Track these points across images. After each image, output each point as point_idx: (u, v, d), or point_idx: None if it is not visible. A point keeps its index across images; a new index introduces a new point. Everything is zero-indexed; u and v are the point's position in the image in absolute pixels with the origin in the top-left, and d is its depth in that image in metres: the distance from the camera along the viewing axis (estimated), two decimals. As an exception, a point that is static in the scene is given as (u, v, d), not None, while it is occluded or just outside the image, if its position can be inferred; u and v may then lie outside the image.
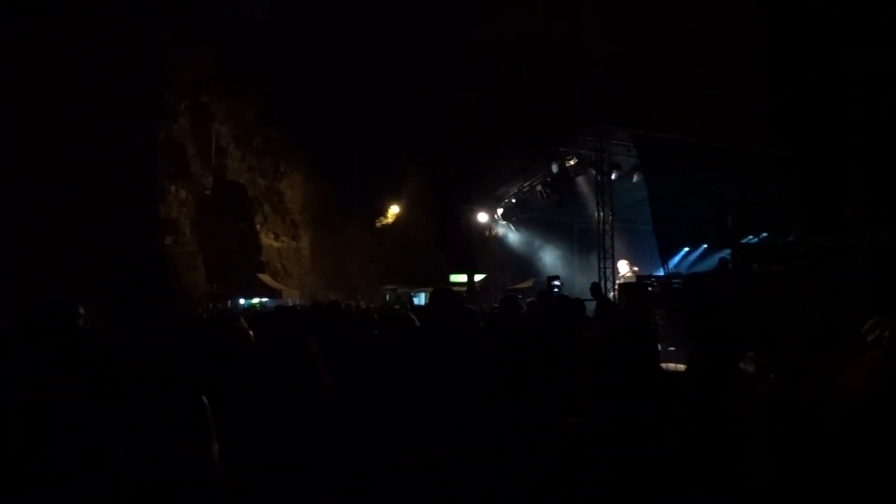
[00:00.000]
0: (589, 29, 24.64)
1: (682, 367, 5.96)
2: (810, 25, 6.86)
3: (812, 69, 6.54)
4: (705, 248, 13.43)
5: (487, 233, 24.34)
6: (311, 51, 33.46)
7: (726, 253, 13.79)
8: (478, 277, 26.07)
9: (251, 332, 4.55)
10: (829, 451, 2.33)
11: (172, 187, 29.06)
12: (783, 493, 2.21)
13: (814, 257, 6.53)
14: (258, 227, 34.53)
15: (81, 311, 2.75)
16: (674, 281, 11.65)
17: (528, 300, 7.81)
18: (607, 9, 23.89)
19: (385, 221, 40.27)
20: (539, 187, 18.33)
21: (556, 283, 13.30)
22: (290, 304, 21.63)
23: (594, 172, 15.81)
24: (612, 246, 15.69)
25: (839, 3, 6.55)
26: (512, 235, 23.75)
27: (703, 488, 1.73)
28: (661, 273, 13.20)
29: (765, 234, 12.12)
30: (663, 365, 5.68)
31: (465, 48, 31.46)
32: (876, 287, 4.65)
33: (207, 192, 31.66)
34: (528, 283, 22.96)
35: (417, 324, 4.74)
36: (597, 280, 14.85)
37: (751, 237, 12.15)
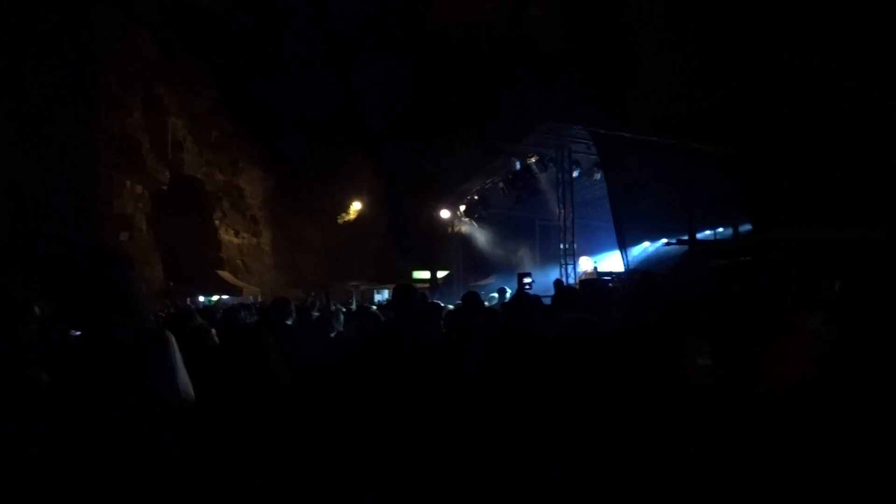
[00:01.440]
0: (544, 24, 24.91)
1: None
2: (745, 27, 7.11)
3: (749, 68, 6.76)
4: (665, 243, 13.70)
5: (450, 229, 24.38)
6: (262, 43, 32.97)
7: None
8: (440, 274, 26.15)
9: (213, 330, 4.52)
10: (763, 438, 2.43)
11: (127, 182, 28.33)
12: (717, 477, 2.31)
13: (754, 252, 6.77)
14: (217, 222, 33.95)
15: (37, 309, 2.70)
16: (633, 276, 11.87)
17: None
18: (560, 4, 24.22)
19: (347, 218, 40.02)
20: (501, 184, 18.45)
21: (528, 280, 13.27)
22: (251, 301, 21.36)
23: (555, 169, 16.01)
24: (574, 242, 15.92)
25: (775, 6, 6.79)
26: (474, 232, 23.85)
27: (648, 473, 1.80)
28: (623, 269, 13.42)
29: (720, 229, 12.41)
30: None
31: (424, 42, 31.46)
32: (809, 280, 4.86)
33: (164, 186, 30.96)
34: (490, 280, 23.11)
35: (382, 319, 4.77)
36: (558, 277, 15.09)
37: (708, 231, 12.43)
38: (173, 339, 2.80)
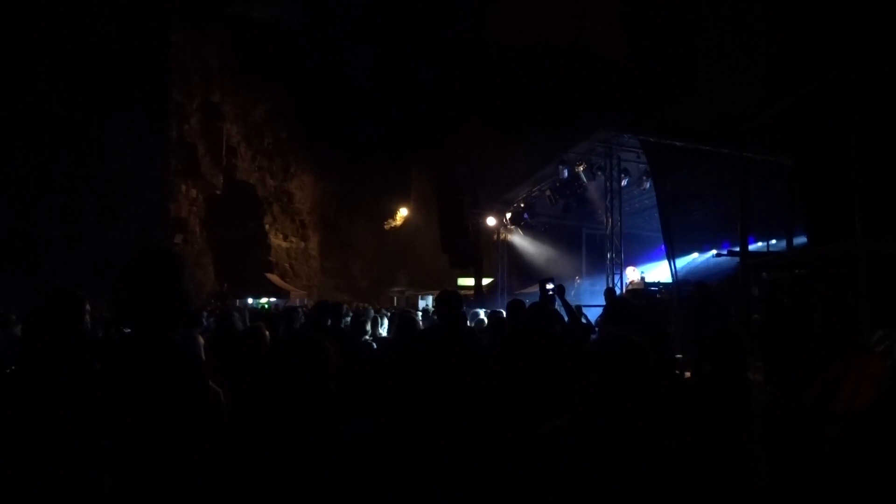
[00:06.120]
0: (599, 35, 24.66)
1: (688, 374, 5.94)
2: (812, 32, 6.82)
3: (813, 76, 6.46)
4: (714, 254, 13.32)
5: (495, 237, 24.28)
6: (318, 52, 33.59)
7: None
8: (485, 281, 26.05)
9: (266, 333, 4.59)
10: (830, 460, 2.31)
11: (183, 186, 29.21)
12: (781, 499, 2.20)
13: (816, 266, 6.47)
14: (267, 227, 34.67)
15: (87, 306, 2.79)
16: (682, 287, 11.57)
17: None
18: (617, 15, 23.95)
19: (393, 224, 40.32)
20: (548, 192, 18.26)
21: (550, 286, 12.95)
22: (299, 304, 21.67)
23: (603, 178, 15.76)
24: (621, 252, 15.63)
25: (839, 9, 6.49)
26: (520, 240, 23.67)
27: (701, 492, 1.73)
28: (670, 279, 13.10)
29: (773, 241, 12.02)
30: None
31: (475, 51, 31.52)
32: (878, 297, 4.61)
33: (217, 191, 31.79)
34: (535, 288, 22.86)
35: (419, 324, 4.76)
36: (608, 286, 14.81)
37: (760, 244, 12.05)
38: (200, 340, 2.85)
